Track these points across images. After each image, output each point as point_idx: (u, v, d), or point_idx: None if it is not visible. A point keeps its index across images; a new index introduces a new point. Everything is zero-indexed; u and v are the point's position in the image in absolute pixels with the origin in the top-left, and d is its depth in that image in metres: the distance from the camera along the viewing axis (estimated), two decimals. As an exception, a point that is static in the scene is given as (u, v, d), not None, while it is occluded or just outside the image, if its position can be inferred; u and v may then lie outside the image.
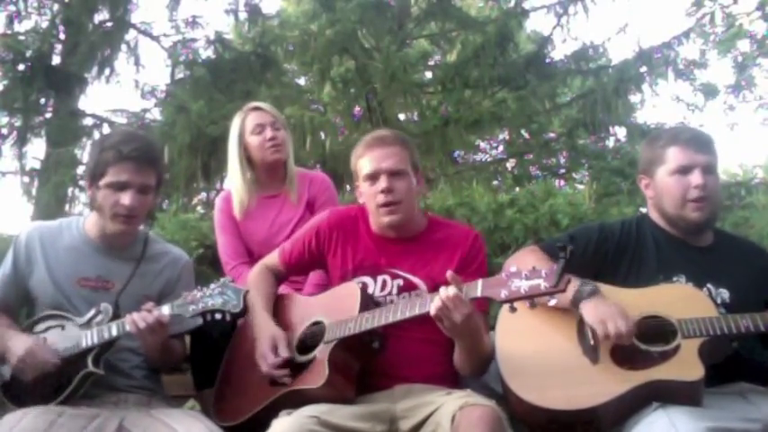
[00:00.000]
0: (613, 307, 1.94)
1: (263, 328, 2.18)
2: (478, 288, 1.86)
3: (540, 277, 1.77)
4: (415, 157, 2.27)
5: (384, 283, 2.20)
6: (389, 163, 2.18)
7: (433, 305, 1.87)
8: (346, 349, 2.03)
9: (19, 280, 2.25)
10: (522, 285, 1.78)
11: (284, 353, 2.09)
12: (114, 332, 2.09)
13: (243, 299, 2.06)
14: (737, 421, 1.85)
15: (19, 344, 2.09)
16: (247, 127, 2.92)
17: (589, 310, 1.95)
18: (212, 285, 2.08)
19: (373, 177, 2.18)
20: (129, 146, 2.13)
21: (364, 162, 2.21)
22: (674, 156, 2.13)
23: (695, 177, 2.09)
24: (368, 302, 2.08)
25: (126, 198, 2.12)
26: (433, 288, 2.12)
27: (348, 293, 2.12)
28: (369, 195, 2.20)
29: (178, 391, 2.59)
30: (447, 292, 1.85)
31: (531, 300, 1.80)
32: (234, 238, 2.91)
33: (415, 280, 2.19)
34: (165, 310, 2.07)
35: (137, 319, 2.04)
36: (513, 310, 1.83)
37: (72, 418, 1.96)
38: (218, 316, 2.06)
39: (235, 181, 2.94)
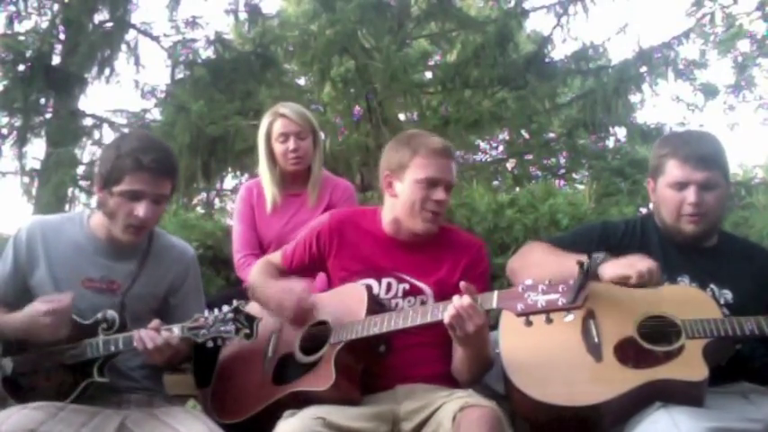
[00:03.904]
0: (630, 256, 1.97)
1: (278, 284, 2.22)
2: (494, 300, 1.86)
3: (557, 292, 1.76)
4: None
5: (389, 286, 2.18)
6: (451, 177, 2.18)
7: (446, 313, 1.86)
8: (353, 352, 2.02)
9: (19, 278, 2.18)
10: (539, 300, 1.77)
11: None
12: (121, 346, 2.05)
13: (256, 327, 2.03)
14: (739, 421, 1.85)
15: (33, 307, 2.04)
16: (273, 132, 2.97)
17: (611, 267, 1.97)
18: (225, 308, 2.03)
19: (433, 183, 2.15)
20: (149, 155, 2.06)
21: (426, 164, 2.14)
22: (672, 169, 2.13)
23: (690, 195, 2.09)
24: (375, 305, 2.07)
25: (140, 209, 2.07)
26: (439, 293, 2.13)
27: (355, 295, 2.11)
28: (417, 197, 2.15)
29: (179, 391, 2.59)
30: (462, 301, 1.84)
31: (548, 315, 1.79)
32: (249, 229, 2.97)
33: (421, 285, 2.18)
34: (176, 331, 2.01)
35: (145, 339, 1.99)
36: (528, 324, 1.82)
37: (72, 413, 1.95)
38: (228, 343, 2.04)
39: (264, 177, 3.01)
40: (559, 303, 1.75)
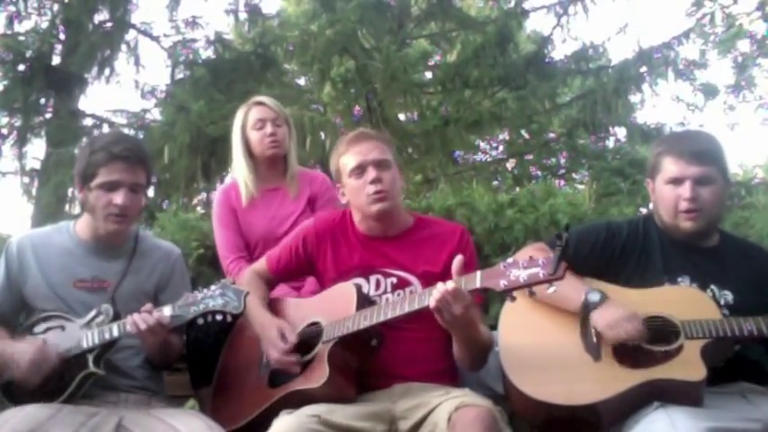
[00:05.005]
0: (621, 310, 1.96)
1: (267, 320, 2.19)
2: (477, 279, 1.86)
3: (537, 266, 1.77)
4: (395, 154, 2.29)
5: (378, 283, 2.21)
6: (375, 154, 2.20)
7: (432, 298, 1.87)
8: (345, 348, 2.03)
9: (13, 288, 2.24)
10: (521, 275, 1.79)
11: (292, 338, 2.10)
12: (115, 333, 2.09)
13: (244, 300, 2.06)
14: (738, 421, 1.85)
15: (21, 354, 2.07)
16: (249, 121, 2.95)
17: (597, 318, 1.98)
18: (213, 286, 2.09)
19: (360, 169, 2.18)
20: (119, 146, 2.15)
21: (348, 158, 2.21)
22: (667, 166, 2.14)
23: (685, 190, 2.09)
24: (364, 302, 2.09)
25: (118, 197, 2.14)
26: (426, 283, 2.13)
27: (344, 293, 2.12)
28: (356, 189, 2.19)
29: (178, 392, 2.60)
30: (446, 285, 1.86)
31: (530, 288, 1.81)
32: (232, 232, 2.92)
33: (408, 276, 2.19)
34: (167, 311, 2.07)
35: (137, 321, 2.04)
36: (512, 299, 1.84)
37: (70, 414, 1.97)
38: (218, 317, 2.07)
39: (239, 170, 2.97)
40: (541, 276, 1.77)
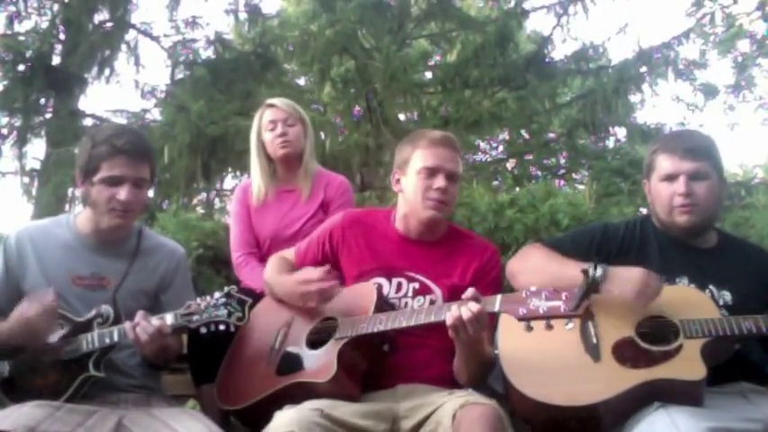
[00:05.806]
0: (635, 273, 1.96)
1: (292, 277, 2.25)
2: (497, 303, 1.87)
3: (559, 299, 1.78)
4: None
5: (399, 286, 2.20)
6: (452, 165, 2.21)
7: (450, 314, 1.87)
8: (356, 348, 2.04)
9: (11, 283, 2.20)
10: (542, 306, 1.79)
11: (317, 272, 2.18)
12: (116, 337, 2.07)
13: (248, 311, 2.05)
14: (738, 421, 1.85)
15: (21, 312, 2.07)
16: (263, 123, 3.02)
17: (617, 287, 1.95)
18: (217, 295, 2.06)
19: (432, 171, 2.18)
20: (122, 139, 2.11)
21: (424, 155, 2.20)
22: (661, 163, 2.15)
23: (679, 185, 2.10)
24: (383, 304, 2.10)
25: (122, 193, 2.10)
26: (448, 294, 2.14)
27: (364, 293, 2.13)
28: (419, 188, 2.19)
29: (178, 391, 2.60)
30: (470, 307, 1.86)
31: (548, 321, 1.81)
32: (246, 229, 2.98)
33: (431, 284, 2.19)
34: (168, 319, 2.04)
35: (139, 333, 2.02)
36: (529, 329, 1.83)
37: (69, 413, 1.95)
38: (221, 327, 2.05)
39: (253, 173, 3.05)
40: (561, 310, 1.77)
